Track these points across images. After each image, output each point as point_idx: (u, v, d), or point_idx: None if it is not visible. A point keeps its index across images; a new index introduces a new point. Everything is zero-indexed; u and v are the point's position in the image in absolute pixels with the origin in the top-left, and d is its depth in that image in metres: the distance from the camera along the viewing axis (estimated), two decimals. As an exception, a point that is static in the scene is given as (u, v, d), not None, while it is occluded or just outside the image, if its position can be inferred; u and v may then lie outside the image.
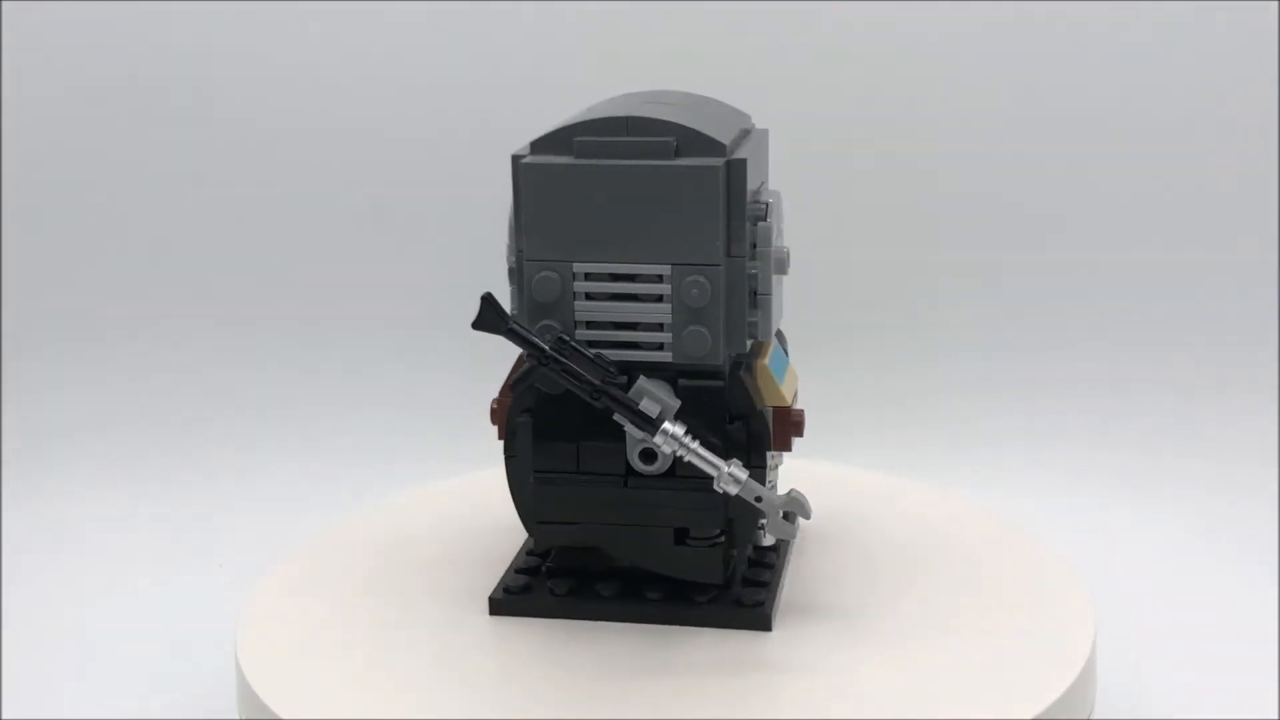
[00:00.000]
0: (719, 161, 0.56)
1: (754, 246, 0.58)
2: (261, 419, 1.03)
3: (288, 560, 0.67)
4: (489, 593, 0.61)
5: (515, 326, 0.55)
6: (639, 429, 0.55)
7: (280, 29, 1.06)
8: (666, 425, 0.55)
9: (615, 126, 0.56)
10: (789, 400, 0.60)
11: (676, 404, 0.56)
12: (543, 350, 0.55)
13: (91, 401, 1.03)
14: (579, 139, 0.56)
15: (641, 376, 0.56)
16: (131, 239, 1.07)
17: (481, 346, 0.57)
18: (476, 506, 0.70)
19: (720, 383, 0.57)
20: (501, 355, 0.60)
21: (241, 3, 1.06)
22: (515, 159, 0.57)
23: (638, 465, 0.57)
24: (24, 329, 1.06)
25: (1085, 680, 0.57)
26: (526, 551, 0.64)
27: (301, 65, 1.07)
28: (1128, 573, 0.81)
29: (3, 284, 1.06)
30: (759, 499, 0.56)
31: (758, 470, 0.57)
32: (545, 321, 0.57)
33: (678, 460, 0.56)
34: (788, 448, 0.60)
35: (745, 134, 0.61)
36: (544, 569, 0.62)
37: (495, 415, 0.60)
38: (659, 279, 0.57)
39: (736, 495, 0.56)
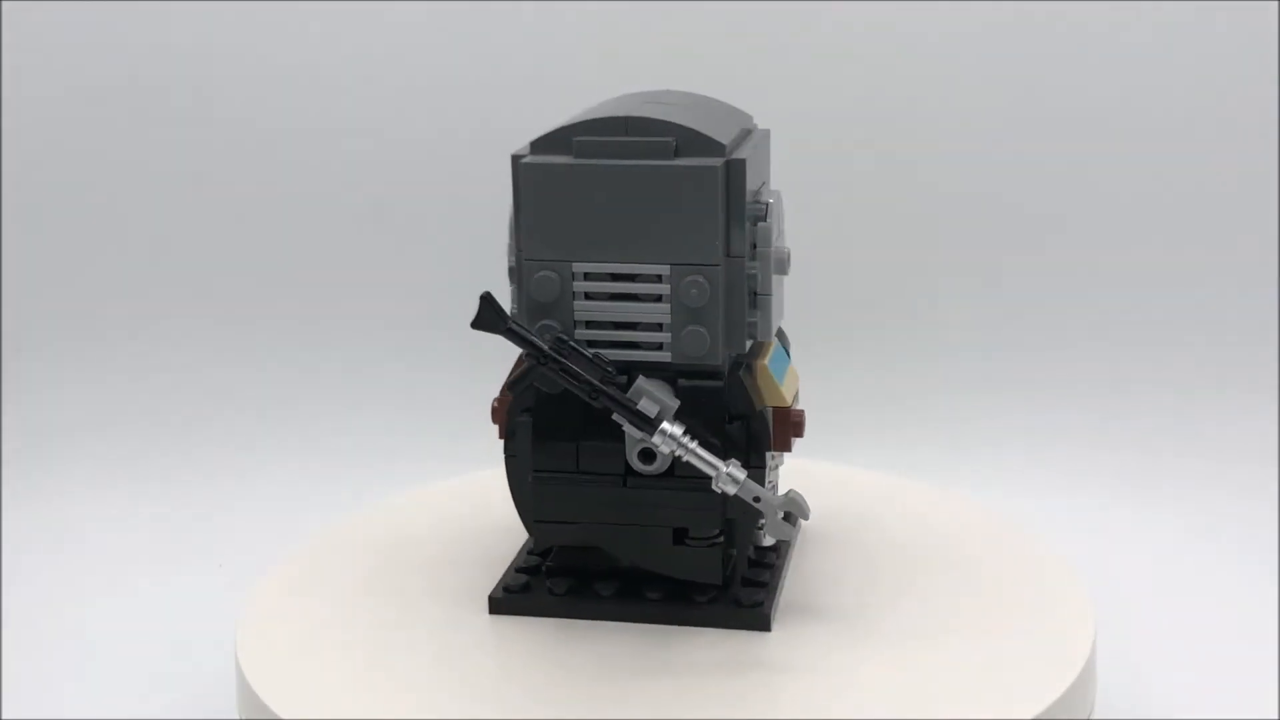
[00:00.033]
0: (718, 162, 0.56)
1: (754, 247, 0.57)
2: (261, 419, 1.02)
3: (288, 560, 0.67)
4: (489, 592, 0.61)
5: (514, 326, 0.55)
6: (637, 429, 0.55)
7: (280, 29, 1.06)
8: (665, 425, 0.55)
9: (615, 126, 0.56)
10: (789, 401, 0.60)
11: (675, 404, 0.56)
12: (541, 350, 0.55)
13: (91, 401, 1.03)
14: (578, 139, 0.56)
15: (641, 376, 0.56)
16: (131, 239, 1.07)
17: (481, 346, 0.57)
18: (476, 506, 0.70)
19: (719, 383, 0.57)
20: (502, 355, 0.60)
21: (241, 3, 1.06)
22: (515, 159, 0.57)
23: (636, 465, 0.57)
24: (24, 329, 1.06)
25: (1085, 680, 0.57)
26: (528, 551, 0.64)
27: (301, 65, 1.07)
28: (1128, 573, 0.81)
29: (3, 284, 1.06)
30: (757, 499, 0.56)
31: (756, 471, 0.57)
32: (544, 321, 0.57)
33: (676, 460, 0.56)
34: (788, 448, 0.60)
35: (746, 134, 0.61)
36: (544, 568, 0.62)
37: (496, 414, 0.60)
38: (658, 279, 0.56)
39: (735, 495, 0.56)
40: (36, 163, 1.07)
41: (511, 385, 0.59)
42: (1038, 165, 1.04)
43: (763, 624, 0.59)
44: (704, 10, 1.04)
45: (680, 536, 0.58)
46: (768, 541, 0.63)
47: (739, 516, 0.58)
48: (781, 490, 0.60)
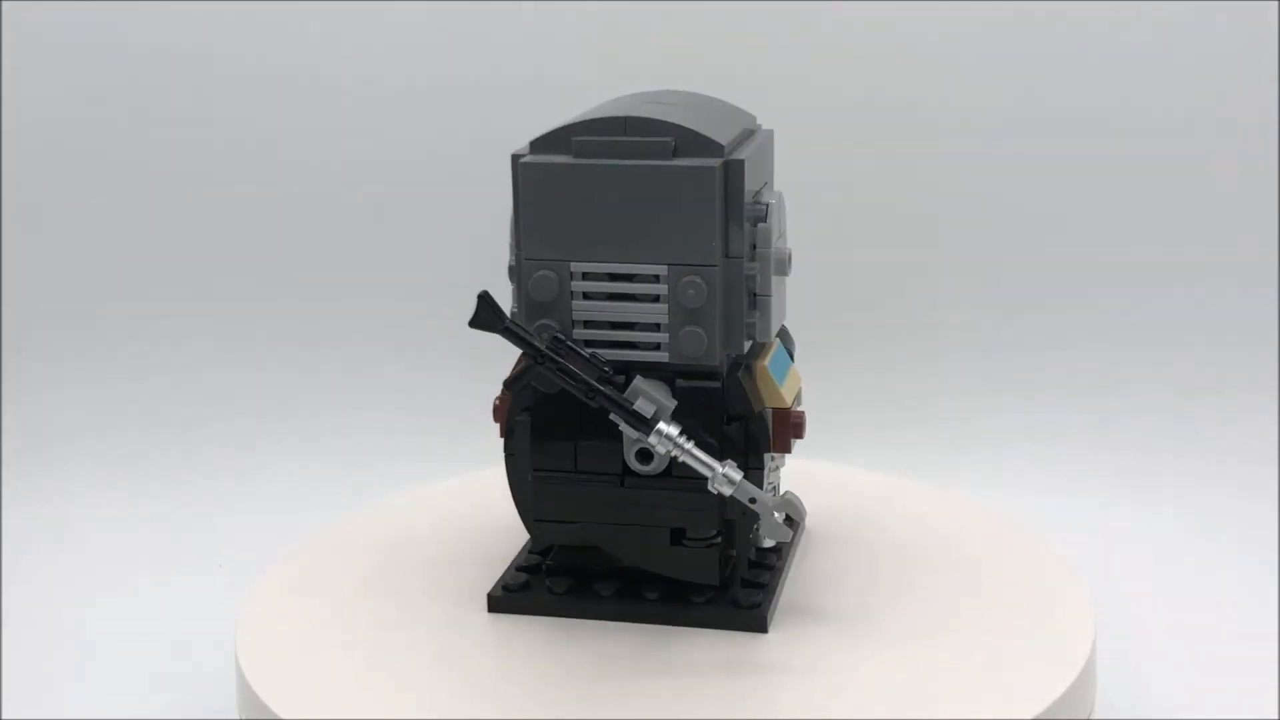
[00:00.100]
0: (716, 162, 0.56)
1: (753, 247, 0.57)
2: (261, 419, 1.03)
3: (288, 560, 0.67)
4: (488, 592, 0.62)
5: (511, 325, 0.55)
6: (634, 429, 0.55)
7: (280, 29, 1.06)
8: (661, 425, 0.55)
9: (614, 126, 0.56)
10: (789, 402, 0.60)
11: (672, 404, 0.56)
12: (538, 349, 0.55)
13: (91, 401, 1.03)
14: (578, 139, 0.56)
15: (639, 376, 0.56)
16: (131, 239, 1.07)
17: (481, 346, 0.57)
18: (476, 506, 0.70)
19: (717, 384, 0.57)
20: (502, 355, 0.60)
21: (241, 3, 1.06)
22: (515, 158, 0.57)
23: (634, 465, 0.57)
24: (24, 329, 1.06)
25: (1085, 680, 0.57)
26: (529, 550, 0.64)
27: (301, 65, 1.07)
28: (1128, 573, 0.81)
29: (3, 284, 1.06)
30: (753, 500, 0.56)
31: (755, 472, 0.57)
32: (542, 321, 0.57)
33: (674, 461, 0.56)
34: (787, 449, 0.60)
35: (748, 134, 0.61)
36: (543, 567, 0.62)
37: (498, 412, 0.60)
38: (656, 279, 0.56)
39: (731, 496, 0.56)
40: (36, 163, 1.07)
41: (510, 384, 0.59)
42: (1038, 165, 1.04)
43: (760, 625, 0.59)
44: (704, 10, 1.04)
45: (678, 537, 0.58)
46: (767, 543, 0.63)
47: (737, 518, 0.58)
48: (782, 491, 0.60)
